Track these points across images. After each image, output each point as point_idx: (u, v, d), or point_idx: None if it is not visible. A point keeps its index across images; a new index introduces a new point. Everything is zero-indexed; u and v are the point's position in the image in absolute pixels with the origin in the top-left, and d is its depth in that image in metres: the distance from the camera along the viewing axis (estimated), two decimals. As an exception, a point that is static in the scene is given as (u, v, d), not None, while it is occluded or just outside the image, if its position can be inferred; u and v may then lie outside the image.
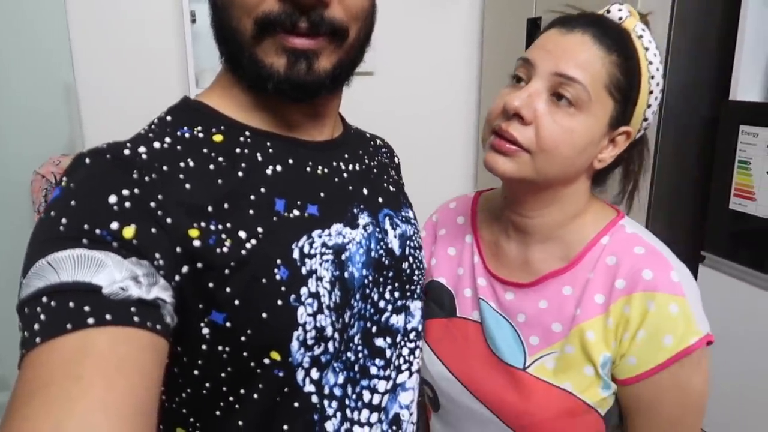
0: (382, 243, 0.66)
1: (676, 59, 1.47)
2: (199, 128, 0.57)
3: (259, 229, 0.54)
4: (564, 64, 0.67)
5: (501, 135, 0.68)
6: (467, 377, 0.77)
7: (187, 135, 0.56)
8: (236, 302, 0.52)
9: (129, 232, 0.47)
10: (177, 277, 0.50)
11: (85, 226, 0.46)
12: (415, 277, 0.71)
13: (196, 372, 0.54)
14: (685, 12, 1.45)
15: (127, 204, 0.48)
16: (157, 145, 0.53)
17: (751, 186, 1.35)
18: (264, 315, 0.53)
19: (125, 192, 0.48)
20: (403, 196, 0.77)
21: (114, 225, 0.47)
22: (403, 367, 0.70)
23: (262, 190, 0.56)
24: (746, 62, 1.40)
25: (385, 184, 0.73)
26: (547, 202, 0.74)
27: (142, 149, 0.52)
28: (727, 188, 1.40)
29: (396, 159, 0.82)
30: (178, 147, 0.54)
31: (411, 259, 0.71)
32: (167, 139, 0.54)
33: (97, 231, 0.46)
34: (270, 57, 0.54)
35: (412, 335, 0.71)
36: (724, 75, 1.44)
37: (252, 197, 0.55)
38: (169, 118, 0.58)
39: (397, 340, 0.68)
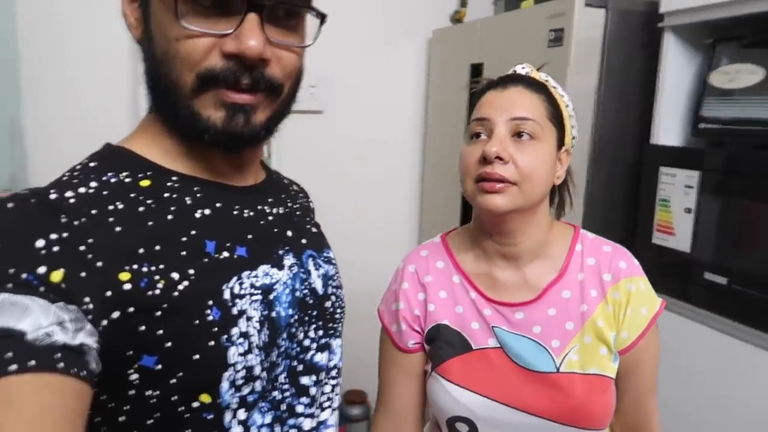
0: (306, 283, 0.68)
1: (604, 108, 1.61)
2: (126, 173, 0.57)
3: (191, 271, 0.54)
4: (516, 110, 0.84)
5: (488, 179, 0.82)
6: (508, 397, 0.86)
7: (113, 180, 0.56)
8: (168, 344, 0.52)
9: (57, 276, 0.46)
10: (105, 322, 0.49)
11: (10, 271, 0.45)
12: (336, 315, 0.74)
13: (121, 419, 0.53)
14: (612, 67, 1.59)
15: (56, 248, 0.47)
16: (82, 190, 0.53)
17: (670, 222, 1.47)
18: (196, 356, 0.53)
19: (53, 236, 0.48)
20: (324, 238, 0.79)
21: (41, 269, 0.46)
22: (326, 404, 0.71)
23: (193, 232, 0.57)
24: (665, 111, 1.54)
25: (308, 226, 0.76)
26: (529, 224, 0.88)
27: (69, 194, 0.52)
28: (651, 224, 1.53)
29: (311, 203, 0.85)
30: (105, 192, 0.54)
31: (333, 298, 0.73)
32: (93, 184, 0.54)
33: (24, 275, 0.45)
34: (208, 110, 0.56)
35: (333, 372, 0.73)
36: (647, 122, 1.58)
37: (183, 239, 0.56)
38: (93, 164, 0.57)
39: (321, 377, 0.70)
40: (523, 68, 0.94)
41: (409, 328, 0.94)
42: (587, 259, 0.90)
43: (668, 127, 1.56)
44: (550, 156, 0.86)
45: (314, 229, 0.77)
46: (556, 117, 0.88)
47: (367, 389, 2.43)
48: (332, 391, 0.73)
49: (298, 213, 0.74)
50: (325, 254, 0.75)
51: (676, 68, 1.53)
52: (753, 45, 1.36)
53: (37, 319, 0.44)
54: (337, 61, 2.16)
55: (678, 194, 1.45)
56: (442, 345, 0.91)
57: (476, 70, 2.04)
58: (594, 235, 0.94)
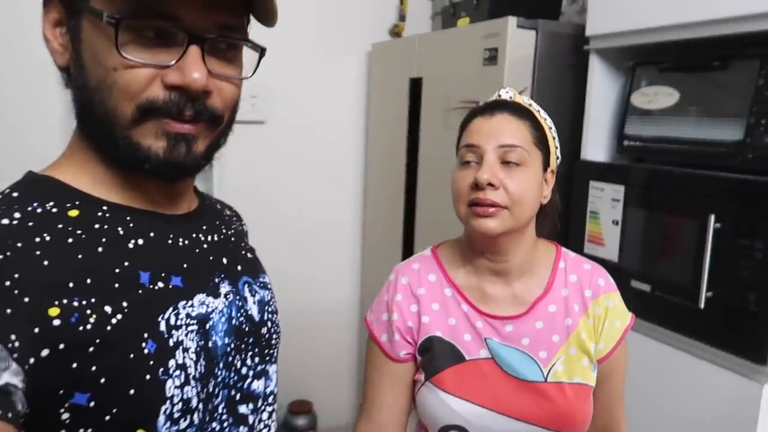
0: (242, 310, 0.68)
1: (536, 124, 1.69)
2: (51, 203, 0.55)
3: (125, 303, 0.53)
4: (504, 138, 0.90)
5: (481, 204, 0.87)
6: (500, 405, 0.92)
7: (39, 210, 0.54)
8: (102, 380, 0.50)
9: None
10: (32, 360, 0.47)
11: None
12: (273, 341, 0.73)
13: None
14: (543, 86, 1.68)
15: None
16: (5, 221, 0.51)
17: (600, 233, 1.57)
18: (132, 391, 0.52)
19: None
20: (259, 263, 0.78)
21: None
22: (264, 431, 0.71)
23: (126, 263, 0.55)
24: (593, 128, 1.64)
25: (243, 252, 0.75)
26: (519, 243, 0.94)
27: None
28: (582, 235, 1.62)
29: (244, 227, 0.83)
30: (30, 223, 0.52)
31: (269, 324, 0.73)
32: (17, 215, 0.52)
33: None
34: (148, 140, 0.56)
35: (270, 399, 0.73)
36: (578, 138, 1.68)
37: (116, 270, 0.54)
38: (15, 194, 0.55)
39: (259, 405, 0.70)
40: (507, 93, 0.99)
41: (402, 339, 0.97)
42: (570, 276, 0.98)
43: (597, 144, 1.66)
44: (536, 179, 0.92)
45: (249, 255, 0.76)
46: (541, 141, 0.94)
47: (313, 399, 2.44)
48: (269, 417, 0.73)
49: (232, 239, 0.74)
50: (261, 279, 0.75)
51: (601, 88, 1.63)
52: (669, 69, 1.46)
53: None
54: (278, 72, 2.17)
55: (606, 207, 1.54)
56: (436, 356, 0.94)
57: (415, 84, 2.09)
58: (574, 254, 1.02)
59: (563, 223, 1.75)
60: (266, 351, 0.72)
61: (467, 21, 1.91)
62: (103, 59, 0.54)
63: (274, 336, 0.74)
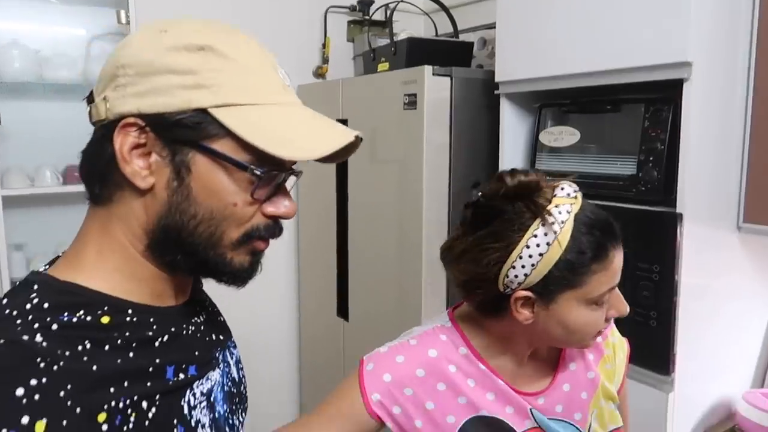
0: (229, 375, 0.73)
1: (456, 162, 1.82)
2: (82, 312, 0.56)
3: (157, 397, 0.57)
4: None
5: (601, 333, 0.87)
6: None
7: (74, 320, 0.55)
8: None
9: (40, 427, 0.46)
10: None
11: None
12: (246, 394, 0.78)
13: None
14: (461, 126, 1.81)
15: (36, 396, 0.47)
16: (47, 331, 0.52)
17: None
18: None
19: (33, 382, 0.47)
20: (226, 322, 0.81)
21: (25, 419, 0.46)
22: None
23: (157, 361, 0.59)
24: (508, 164, 1.77)
25: (219, 318, 0.78)
26: None
27: (39, 337, 0.51)
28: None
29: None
30: (71, 332, 0.54)
31: (244, 379, 0.78)
32: (54, 326, 0.53)
33: (4, 431, 0.45)
34: (240, 257, 0.62)
35: None
36: (495, 172, 1.80)
37: (149, 369, 0.58)
38: (46, 304, 0.55)
39: None
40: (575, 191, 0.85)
41: (403, 412, 0.87)
42: None
43: (511, 178, 1.79)
44: None
45: (221, 318, 0.80)
46: None
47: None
48: None
49: (210, 308, 0.77)
50: (232, 339, 0.79)
51: (513, 128, 1.77)
52: (570, 111, 1.62)
53: None
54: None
55: (523, 238, 1.66)
56: None
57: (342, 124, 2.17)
58: None
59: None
60: (245, 405, 0.78)
61: (387, 66, 2.02)
62: (223, 195, 0.58)
63: (245, 388, 0.79)
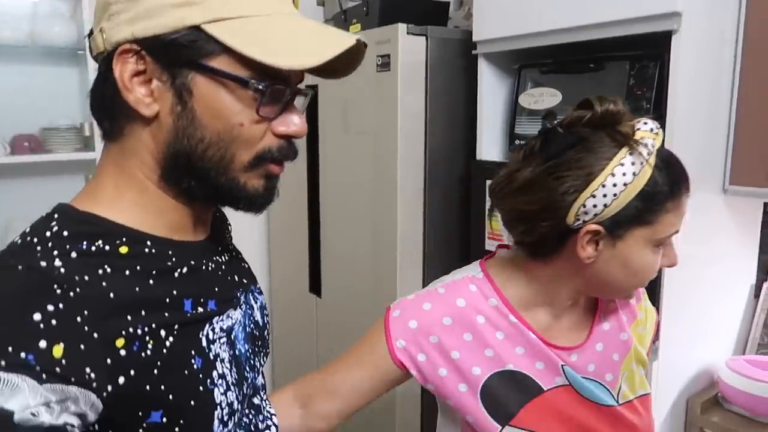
0: (251, 318, 0.75)
1: (432, 128, 1.73)
2: (101, 242, 0.56)
3: (175, 326, 0.59)
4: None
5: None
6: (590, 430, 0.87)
7: (93, 248, 0.56)
8: (170, 397, 0.56)
9: (58, 351, 0.48)
10: (110, 388, 0.51)
11: (9, 348, 0.46)
12: (269, 340, 0.81)
13: None
14: (437, 89, 1.72)
15: (54, 321, 0.48)
16: (67, 258, 0.53)
17: (499, 230, 1.63)
18: (192, 402, 0.59)
19: (50, 308, 0.49)
20: (251, 270, 0.82)
21: (42, 344, 0.47)
22: (266, 421, 0.79)
23: (174, 292, 0.60)
24: (486, 128, 1.70)
25: (243, 264, 0.80)
26: None
27: (57, 263, 0.52)
28: (483, 232, 1.68)
29: (230, 227, 0.84)
30: (89, 260, 0.55)
31: (268, 326, 0.81)
32: (74, 254, 0.54)
33: (22, 354, 0.46)
34: (253, 181, 0.62)
35: (265, 388, 0.82)
36: (473, 139, 1.73)
37: (167, 300, 0.59)
38: (66, 232, 0.56)
39: (262, 395, 0.79)
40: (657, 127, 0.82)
41: (427, 359, 0.86)
42: None
43: (490, 144, 1.73)
44: None
45: (245, 265, 0.81)
46: None
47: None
48: (269, 405, 0.82)
49: (234, 253, 0.78)
50: (258, 287, 0.81)
51: (491, 90, 1.69)
52: (551, 71, 1.55)
53: (26, 398, 0.45)
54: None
55: (503, 205, 1.60)
56: (515, 392, 0.85)
57: (312, 90, 2.07)
58: None
59: (465, 221, 1.81)
60: (267, 350, 0.79)
61: (359, 27, 1.92)
62: (227, 115, 0.58)
63: (269, 335, 0.82)
